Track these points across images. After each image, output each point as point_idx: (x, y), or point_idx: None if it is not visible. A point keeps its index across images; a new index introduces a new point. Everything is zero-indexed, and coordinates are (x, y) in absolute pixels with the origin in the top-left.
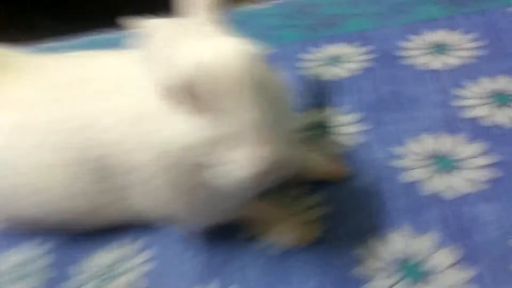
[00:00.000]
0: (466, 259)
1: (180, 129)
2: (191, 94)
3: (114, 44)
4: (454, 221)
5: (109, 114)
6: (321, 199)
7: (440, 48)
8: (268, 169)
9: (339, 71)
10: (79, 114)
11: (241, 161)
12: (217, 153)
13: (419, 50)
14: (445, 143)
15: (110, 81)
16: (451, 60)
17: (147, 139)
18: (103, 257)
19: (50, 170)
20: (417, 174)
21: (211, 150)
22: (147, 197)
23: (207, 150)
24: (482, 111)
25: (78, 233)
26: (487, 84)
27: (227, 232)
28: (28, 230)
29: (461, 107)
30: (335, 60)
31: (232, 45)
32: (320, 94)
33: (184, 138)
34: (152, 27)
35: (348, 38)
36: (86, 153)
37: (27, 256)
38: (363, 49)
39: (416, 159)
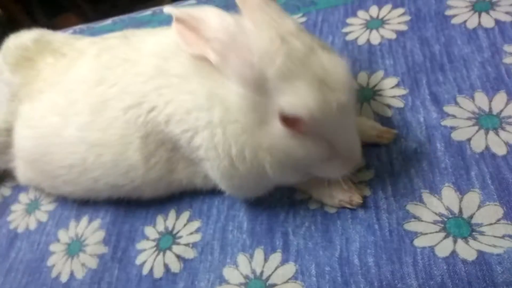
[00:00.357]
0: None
1: (301, 146)
2: (316, 125)
3: (147, 23)
4: (499, 178)
5: (160, 94)
6: (370, 161)
7: (485, 5)
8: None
9: (383, 33)
10: (130, 92)
11: (352, 160)
12: (330, 159)
13: (464, 8)
14: (492, 101)
15: (153, 61)
16: (501, 16)
17: (220, 124)
18: (151, 231)
19: (113, 143)
20: (463, 133)
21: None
22: (214, 171)
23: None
24: None
25: (129, 210)
26: None
27: (269, 200)
28: (88, 203)
29: (510, 64)
30: (378, 23)
31: (344, 67)
32: (363, 58)
33: (308, 154)
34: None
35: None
36: (145, 128)
37: (89, 227)
38: (406, 10)
39: (462, 118)
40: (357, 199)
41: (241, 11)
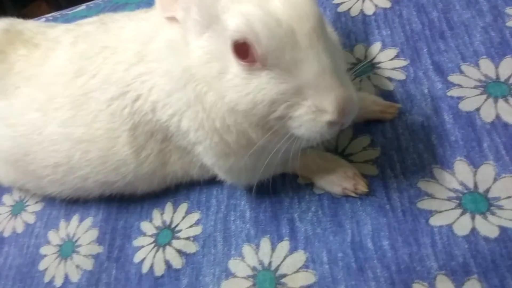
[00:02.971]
0: None
1: (258, 85)
2: (265, 48)
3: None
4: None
5: (143, 81)
6: (375, 138)
7: None
8: (350, 108)
9: (377, 2)
10: (113, 82)
11: (325, 105)
12: (298, 103)
13: None
14: (499, 68)
15: (133, 47)
16: None
17: (196, 100)
18: (148, 226)
19: (99, 138)
20: (471, 103)
21: (292, 100)
22: (208, 153)
23: (290, 101)
24: None
25: (122, 205)
26: None
27: (271, 187)
28: (77, 200)
29: None
30: None
31: None
32: (358, 29)
33: (266, 93)
34: None
35: None
36: (132, 119)
37: (81, 226)
38: None
39: (469, 87)
40: (362, 187)
41: None
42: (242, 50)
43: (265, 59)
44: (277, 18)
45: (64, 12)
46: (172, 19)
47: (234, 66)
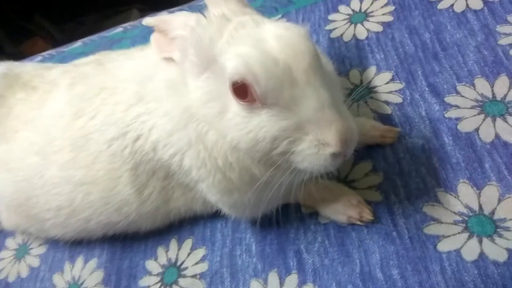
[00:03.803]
0: None
1: (259, 123)
2: (264, 87)
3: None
4: None
5: (142, 121)
6: (377, 163)
7: None
8: (351, 138)
9: (369, 26)
10: (112, 123)
11: (327, 139)
12: (299, 138)
13: None
14: (494, 87)
15: (131, 87)
16: None
17: (197, 139)
18: (153, 265)
19: (100, 179)
20: (470, 123)
21: (294, 136)
22: (211, 190)
23: (291, 137)
24: None
25: (126, 244)
26: None
27: (276, 219)
28: (81, 241)
29: (509, 45)
30: (361, 16)
31: (292, 31)
32: (352, 54)
33: (268, 130)
34: (177, 22)
35: None
36: (133, 159)
37: (86, 268)
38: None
39: (466, 107)
40: (367, 214)
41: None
42: (241, 90)
43: (265, 98)
44: (273, 57)
45: (60, 49)
46: (169, 59)
47: (234, 106)
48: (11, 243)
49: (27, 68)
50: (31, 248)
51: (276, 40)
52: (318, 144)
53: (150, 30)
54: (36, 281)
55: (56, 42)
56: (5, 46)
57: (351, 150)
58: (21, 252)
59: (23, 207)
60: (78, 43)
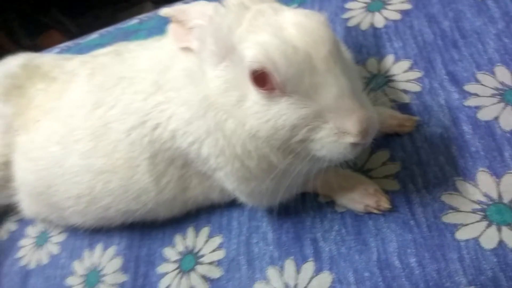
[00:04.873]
0: None
1: (278, 111)
2: (284, 76)
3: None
4: None
5: (161, 110)
6: (394, 153)
7: None
8: (372, 128)
9: (387, 15)
10: (132, 112)
11: (348, 127)
12: (319, 126)
13: None
14: None
15: (150, 77)
16: None
17: (216, 128)
18: (170, 252)
19: (119, 168)
20: (489, 112)
21: (313, 124)
22: (229, 179)
23: (311, 125)
24: None
25: (144, 232)
26: None
27: (292, 207)
28: (100, 229)
29: None
30: (379, 4)
31: (312, 18)
32: (370, 43)
33: (287, 118)
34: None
35: None
36: (151, 148)
37: (105, 255)
38: None
39: (486, 95)
40: (384, 203)
41: None
42: (260, 78)
43: (284, 86)
44: (293, 45)
45: (77, 41)
46: (187, 48)
47: (253, 94)
48: (31, 231)
49: (46, 59)
50: (51, 236)
51: (296, 27)
52: (338, 133)
53: (166, 21)
54: (57, 268)
55: (71, 35)
56: (22, 39)
57: (371, 139)
58: (42, 240)
59: (43, 196)
60: (94, 35)
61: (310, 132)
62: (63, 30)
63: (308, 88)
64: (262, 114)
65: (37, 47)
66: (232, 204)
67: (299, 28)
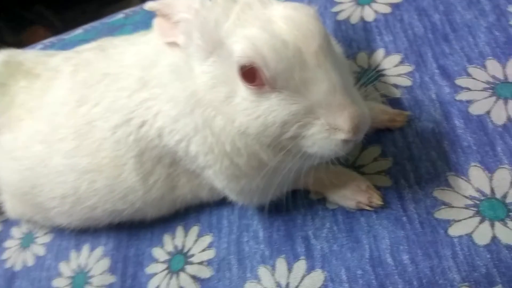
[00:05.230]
0: None
1: (268, 108)
2: (274, 71)
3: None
4: None
5: (147, 107)
6: (386, 148)
7: None
8: (364, 124)
9: (376, 8)
10: (116, 110)
11: (339, 124)
12: (310, 122)
13: None
14: (506, 68)
15: (135, 73)
16: None
17: (204, 125)
18: (159, 252)
19: (105, 167)
20: (481, 106)
21: (304, 120)
22: (218, 177)
23: (302, 121)
24: None
25: (132, 232)
26: None
27: (283, 204)
28: (87, 229)
29: None
30: None
31: (301, 11)
32: (360, 37)
33: (277, 115)
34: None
35: None
36: (137, 146)
37: (92, 256)
38: None
39: (477, 89)
40: (376, 199)
41: None
42: (249, 74)
43: (274, 82)
44: (283, 39)
45: (61, 37)
46: (173, 43)
47: (242, 90)
48: (16, 232)
49: (29, 55)
50: (37, 237)
51: (285, 21)
52: (329, 129)
53: (152, 15)
54: (43, 270)
55: (56, 30)
56: (5, 35)
57: (362, 136)
58: (27, 241)
59: (28, 196)
60: (79, 30)
61: (301, 128)
62: (48, 25)
63: (299, 83)
64: (251, 110)
65: (21, 43)
66: (221, 202)
67: (289, 21)
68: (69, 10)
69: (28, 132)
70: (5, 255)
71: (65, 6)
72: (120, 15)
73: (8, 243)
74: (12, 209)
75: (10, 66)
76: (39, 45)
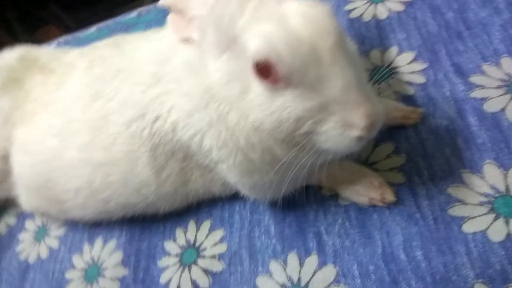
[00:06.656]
0: None
1: (282, 104)
2: (289, 67)
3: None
4: None
5: (161, 102)
6: (399, 145)
7: None
8: (378, 122)
9: (390, 6)
10: (131, 105)
11: (354, 121)
12: (324, 118)
13: None
14: None
15: (149, 68)
16: None
17: (219, 120)
18: (172, 246)
19: (119, 161)
20: (496, 103)
21: (319, 116)
22: (232, 171)
23: (316, 118)
24: None
25: (144, 225)
26: None
27: (295, 200)
28: (100, 223)
29: None
30: None
31: (316, 8)
32: (373, 35)
33: (292, 111)
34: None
35: None
36: (151, 140)
37: (105, 249)
38: None
39: (492, 87)
40: (389, 196)
41: None
42: (264, 70)
43: (289, 78)
44: (298, 36)
45: (76, 34)
46: (187, 39)
47: (257, 86)
48: (30, 225)
49: (44, 51)
50: (51, 230)
51: (300, 17)
52: (343, 125)
53: (164, 14)
54: (56, 262)
55: (69, 30)
56: (19, 34)
57: (376, 132)
58: (41, 234)
59: (42, 189)
60: (92, 29)
61: (315, 124)
62: (61, 25)
63: (314, 80)
64: (266, 106)
65: (35, 42)
66: (233, 197)
67: (304, 18)
68: (81, 10)
69: (42, 126)
70: (19, 248)
71: (78, 6)
72: (133, 14)
73: (22, 236)
74: (26, 202)
75: (25, 61)
76: (54, 42)
